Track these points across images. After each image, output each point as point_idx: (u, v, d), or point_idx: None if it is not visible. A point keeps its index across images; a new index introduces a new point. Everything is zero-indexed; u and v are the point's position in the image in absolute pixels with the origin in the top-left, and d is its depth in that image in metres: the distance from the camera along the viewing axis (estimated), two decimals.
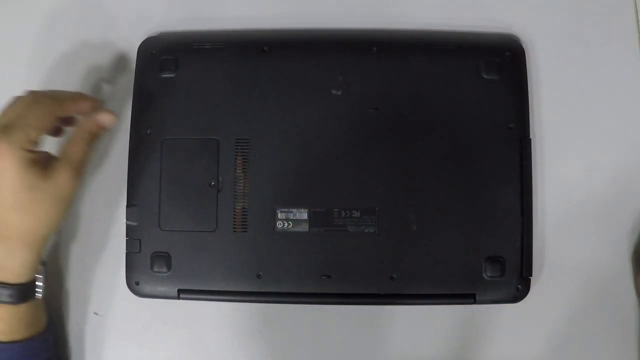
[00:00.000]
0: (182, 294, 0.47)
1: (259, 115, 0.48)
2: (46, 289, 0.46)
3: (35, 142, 0.42)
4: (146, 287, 0.47)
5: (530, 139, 0.47)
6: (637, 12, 0.51)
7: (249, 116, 0.48)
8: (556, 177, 0.49)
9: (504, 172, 0.47)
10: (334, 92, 0.48)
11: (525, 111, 0.48)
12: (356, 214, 0.46)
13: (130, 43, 0.51)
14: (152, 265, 0.47)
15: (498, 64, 0.48)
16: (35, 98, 0.43)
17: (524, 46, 0.49)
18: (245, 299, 0.47)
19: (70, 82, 0.52)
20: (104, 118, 0.46)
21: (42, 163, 0.44)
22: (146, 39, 0.51)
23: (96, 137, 0.46)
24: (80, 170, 0.44)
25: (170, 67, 0.49)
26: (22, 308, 0.43)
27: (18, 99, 0.44)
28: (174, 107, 0.48)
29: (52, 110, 0.44)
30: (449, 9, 0.52)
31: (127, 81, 0.50)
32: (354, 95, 0.48)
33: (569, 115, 0.50)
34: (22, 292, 0.43)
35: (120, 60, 0.52)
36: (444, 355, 0.48)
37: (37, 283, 0.44)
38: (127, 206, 0.47)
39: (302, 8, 0.52)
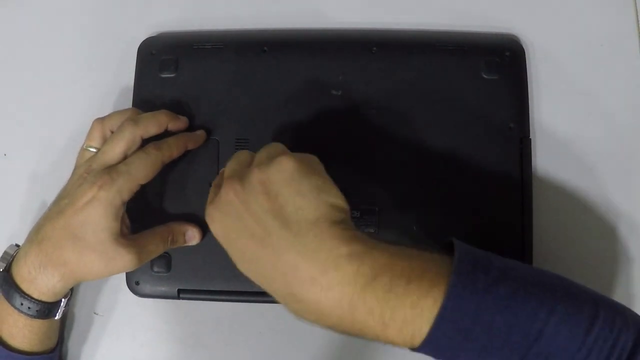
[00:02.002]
0: (182, 294, 0.47)
1: (259, 115, 0.48)
2: (66, 312, 0.46)
3: (132, 194, 0.42)
4: (146, 287, 0.47)
5: (530, 139, 0.47)
6: (637, 12, 0.51)
7: (249, 116, 0.48)
8: (556, 177, 0.49)
9: (504, 172, 0.47)
10: (334, 92, 0.48)
11: (525, 111, 0.48)
12: (356, 214, 0.46)
13: (130, 43, 0.51)
14: (152, 265, 0.47)
15: (498, 64, 0.48)
16: (147, 151, 0.43)
17: (524, 46, 0.49)
18: (245, 299, 0.47)
19: (70, 82, 0.52)
20: (191, 238, 0.46)
21: (124, 223, 0.44)
22: (146, 39, 0.51)
23: (176, 245, 0.46)
24: (143, 263, 0.44)
25: (170, 67, 0.49)
26: (38, 323, 0.43)
27: (127, 127, 0.43)
28: (174, 107, 0.48)
29: (159, 164, 0.43)
30: (449, 9, 0.52)
31: (127, 81, 0.50)
32: (354, 95, 0.48)
33: (569, 115, 0.50)
34: (43, 310, 0.43)
35: (121, 60, 0.51)
36: None
37: (61, 304, 0.44)
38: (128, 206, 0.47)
39: (302, 8, 0.52)
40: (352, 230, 0.36)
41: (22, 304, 0.42)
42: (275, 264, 0.35)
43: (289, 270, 0.35)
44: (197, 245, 0.47)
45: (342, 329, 0.35)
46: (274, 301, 0.47)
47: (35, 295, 0.42)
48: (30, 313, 0.42)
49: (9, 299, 0.42)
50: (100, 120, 0.45)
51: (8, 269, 0.43)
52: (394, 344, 0.34)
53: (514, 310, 0.33)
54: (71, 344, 0.49)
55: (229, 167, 0.39)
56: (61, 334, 0.47)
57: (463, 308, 0.33)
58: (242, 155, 0.40)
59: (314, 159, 0.38)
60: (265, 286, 0.37)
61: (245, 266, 0.37)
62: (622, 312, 0.34)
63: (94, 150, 0.44)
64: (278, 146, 0.39)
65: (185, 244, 0.46)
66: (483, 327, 0.33)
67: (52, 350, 0.45)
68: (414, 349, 0.34)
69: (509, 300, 0.33)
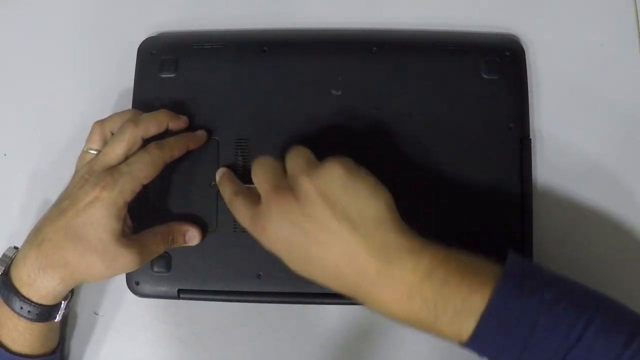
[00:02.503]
0: (182, 294, 0.47)
1: (259, 115, 0.48)
2: (66, 314, 0.46)
3: (134, 194, 0.42)
4: (146, 287, 0.47)
5: (530, 139, 0.47)
6: (637, 12, 0.51)
7: (249, 116, 0.48)
8: (556, 177, 0.49)
9: (504, 172, 0.47)
10: (334, 92, 0.48)
11: (525, 111, 0.48)
12: None
13: (130, 43, 0.51)
14: (152, 265, 0.47)
15: (498, 64, 0.48)
16: (148, 151, 0.43)
17: (524, 46, 0.49)
18: (245, 299, 0.47)
19: (70, 82, 0.52)
20: (192, 238, 0.46)
21: (125, 224, 0.44)
22: (146, 39, 0.51)
23: (176, 246, 0.46)
24: (144, 263, 0.44)
25: (170, 67, 0.49)
26: (38, 326, 0.43)
27: (127, 128, 0.43)
28: (174, 107, 0.48)
29: (161, 164, 0.43)
30: (449, 9, 0.52)
31: (127, 81, 0.50)
32: (354, 95, 0.48)
33: (569, 115, 0.50)
34: (43, 313, 0.42)
35: (121, 60, 0.51)
36: (444, 355, 0.48)
37: (61, 307, 0.44)
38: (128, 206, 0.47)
39: (302, 8, 0.52)
40: (407, 226, 0.39)
41: (21, 308, 0.42)
42: (345, 264, 0.38)
43: (359, 268, 0.37)
44: (197, 245, 0.47)
45: (399, 317, 0.38)
46: (273, 301, 0.47)
47: (35, 299, 0.42)
48: (30, 317, 0.42)
49: (8, 303, 0.42)
50: (100, 122, 0.45)
51: (7, 272, 0.43)
52: (444, 336, 0.37)
53: (556, 315, 0.35)
54: (71, 344, 0.49)
55: (264, 178, 0.40)
56: (62, 335, 0.47)
57: (509, 307, 0.35)
58: (270, 162, 0.41)
59: (351, 160, 0.40)
60: (334, 285, 0.39)
61: (310, 271, 0.40)
62: None
63: (95, 152, 0.44)
64: (307, 151, 0.41)
65: (185, 245, 0.46)
66: (525, 327, 0.35)
67: (53, 352, 0.45)
68: (462, 344, 0.36)
69: (552, 305, 0.35)
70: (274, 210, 0.39)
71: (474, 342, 0.36)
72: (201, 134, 0.47)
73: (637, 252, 0.48)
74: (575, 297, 0.36)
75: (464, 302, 0.36)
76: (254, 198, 0.41)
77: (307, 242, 0.38)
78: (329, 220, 0.38)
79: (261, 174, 0.41)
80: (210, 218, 0.47)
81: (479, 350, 0.36)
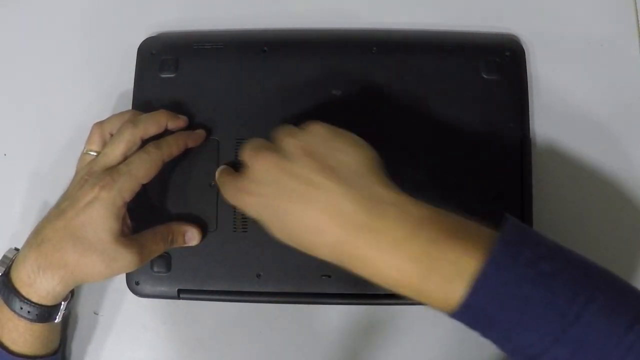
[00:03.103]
0: (182, 294, 0.47)
1: (259, 115, 0.48)
2: (67, 315, 0.46)
3: (133, 194, 0.42)
4: (146, 287, 0.47)
5: (530, 139, 0.47)
6: (637, 12, 0.51)
7: (249, 116, 0.48)
8: (556, 177, 0.49)
9: (504, 172, 0.47)
10: (334, 92, 0.48)
11: (525, 111, 0.48)
12: None
13: (130, 43, 0.51)
14: (152, 265, 0.47)
15: (498, 64, 0.48)
16: (147, 150, 0.43)
17: (524, 46, 0.49)
18: (245, 299, 0.47)
19: (70, 82, 0.52)
20: (191, 238, 0.46)
21: (125, 224, 0.44)
22: (146, 39, 0.51)
23: (175, 246, 0.46)
24: (144, 262, 0.44)
25: (170, 67, 0.49)
26: (38, 327, 0.43)
27: (126, 129, 0.43)
28: (174, 107, 0.48)
29: (160, 163, 0.43)
30: (449, 9, 0.52)
31: (127, 81, 0.50)
32: (354, 95, 0.48)
33: (569, 115, 0.50)
34: (42, 314, 0.42)
35: (121, 60, 0.51)
36: (444, 355, 0.48)
37: (61, 307, 0.44)
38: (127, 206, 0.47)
39: (302, 8, 0.52)
40: (394, 183, 0.38)
41: (21, 309, 0.42)
42: (329, 217, 0.36)
43: (344, 220, 0.36)
44: (197, 245, 0.47)
45: (385, 277, 0.36)
46: (273, 301, 0.47)
47: (35, 299, 0.42)
48: (30, 317, 0.42)
49: (8, 303, 0.42)
50: (99, 124, 0.46)
51: (7, 273, 0.43)
52: (431, 303, 0.35)
53: (553, 289, 0.32)
54: (71, 344, 0.49)
55: (249, 148, 0.40)
56: (64, 336, 0.47)
57: (503, 276, 0.33)
58: (256, 140, 0.41)
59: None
60: (316, 246, 0.38)
61: (292, 232, 0.38)
62: None
63: (94, 154, 0.44)
64: (291, 126, 0.41)
65: (185, 245, 0.46)
66: (520, 300, 0.32)
67: (55, 352, 0.45)
68: (450, 314, 0.34)
69: (550, 278, 0.33)
70: (257, 170, 0.39)
71: (462, 313, 0.34)
72: (200, 132, 0.47)
73: (637, 249, 0.48)
74: (577, 271, 0.33)
75: (453, 266, 0.34)
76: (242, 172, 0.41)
77: (291, 200, 0.37)
78: (314, 174, 0.37)
79: (249, 148, 0.41)
80: (210, 218, 0.47)
81: (469, 321, 0.34)
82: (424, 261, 0.34)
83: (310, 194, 0.37)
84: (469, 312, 0.34)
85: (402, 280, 0.35)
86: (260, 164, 0.39)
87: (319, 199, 0.36)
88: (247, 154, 0.40)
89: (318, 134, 0.39)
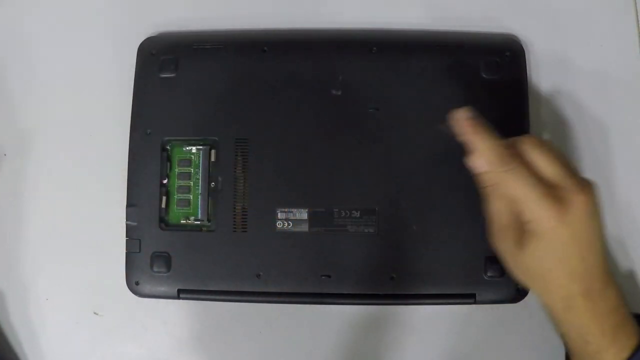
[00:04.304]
0: (182, 294, 0.47)
1: (259, 115, 0.48)
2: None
3: None
4: (146, 287, 0.47)
5: None
6: (637, 12, 0.51)
7: (248, 116, 0.48)
8: None
9: None
10: (334, 92, 0.48)
11: (525, 111, 0.48)
12: (356, 214, 0.46)
13: (130, 43, 0.51)
14: (152, 265, 0.47)
15: (498, 64, 0.48)
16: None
17: (524, 46, 0.49)
18: (245, 299, 0.47)
19: (69, 82, 0.52)
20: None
21: None
22: (146, 39, 0.51)
23: None
24: None
25: (170, 67, 0.49)
26: None
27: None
28: (173, 107, 0.48)
29: None
30: (448, 9, 0.52)
31: (127, 81, 0.50)
32: (354, 95, 0.48)
33: (569, 115, 0.50)
34: None
35: (121, 60, 0.51)
36: (444, 355, 0.48)
37: None
38: (127, 206, 0.47)
39: (302, 8, 0.52)
40: None
41: None
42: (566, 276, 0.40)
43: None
44: (197, 245, 0.47)
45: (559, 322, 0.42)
46: (273, 301, 0.47)
47: None
48: None
49: None
50: None
51: None
52: None
53: None
54: (70, 344, 0.49)
55: (562, 169, 0.39)
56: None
57: None
58: (561, 156, 0.40)
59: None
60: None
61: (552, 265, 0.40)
62: None
63: None
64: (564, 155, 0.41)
65: None
66: None
67: None
68: None
69: None
70: (591, 203, 0.39)
71: None
72: None
73: (637, 249, 0.48)
74: None
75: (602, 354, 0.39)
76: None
77: (581, 246, 0.39)
78: (597, 238, 0.39)
79: (556, 162, 0.39)
80: (211, 218, 0.47)
81: None
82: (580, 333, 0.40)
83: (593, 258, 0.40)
84: None
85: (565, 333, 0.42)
86: (591, 199, 0.39)
87: (588, 265, 0.39)
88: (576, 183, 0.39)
89: (597, 207, 0.40)
